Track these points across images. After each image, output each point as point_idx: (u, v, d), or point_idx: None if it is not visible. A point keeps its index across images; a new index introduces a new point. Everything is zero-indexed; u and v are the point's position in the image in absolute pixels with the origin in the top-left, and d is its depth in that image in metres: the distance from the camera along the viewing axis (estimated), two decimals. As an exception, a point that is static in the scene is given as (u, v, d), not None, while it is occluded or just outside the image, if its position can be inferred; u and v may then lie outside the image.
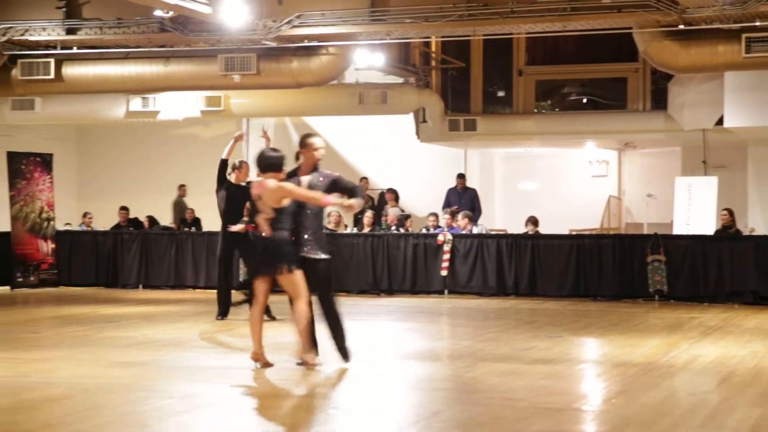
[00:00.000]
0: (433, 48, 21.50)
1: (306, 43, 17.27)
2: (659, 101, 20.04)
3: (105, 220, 19.96)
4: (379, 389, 8.14)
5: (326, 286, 8.82)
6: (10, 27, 17.94)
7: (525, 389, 7.87)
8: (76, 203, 23.24)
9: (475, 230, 16.99)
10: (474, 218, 17.43)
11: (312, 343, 8.89)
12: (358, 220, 18.22)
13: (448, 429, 6.59)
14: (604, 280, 15.60)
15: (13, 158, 18.26)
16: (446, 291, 16.27)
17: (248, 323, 8.92)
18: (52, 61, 18.60)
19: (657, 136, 19.94)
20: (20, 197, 18.08)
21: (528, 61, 21.84)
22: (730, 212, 15.98)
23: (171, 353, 9.89)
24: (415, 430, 6.57)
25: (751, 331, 11.77)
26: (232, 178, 12.72)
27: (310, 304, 8.65)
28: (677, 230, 17.35)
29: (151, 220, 19.78)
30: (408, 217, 17.88)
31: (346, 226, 18.30)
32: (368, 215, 17.45)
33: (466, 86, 21.84)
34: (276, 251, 8.50)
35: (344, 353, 8.84)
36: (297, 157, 9.06)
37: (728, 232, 15.76)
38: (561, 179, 23.29)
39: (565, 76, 22.18)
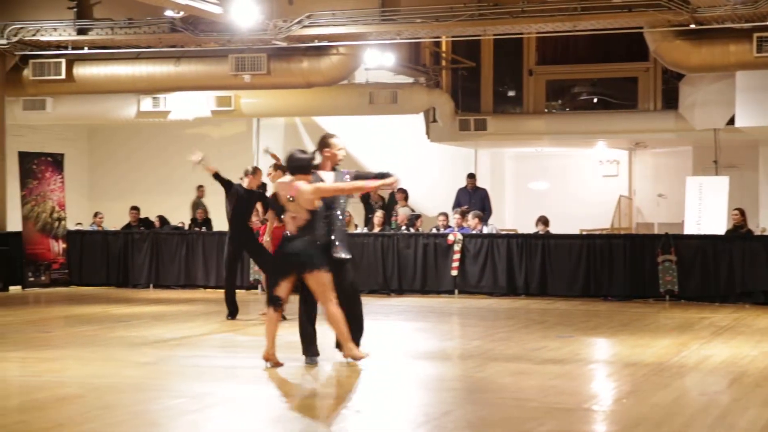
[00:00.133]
0: (444, 48, 21.49)
1: (316, 43, 17.30)
2: (670, 101, 20.00)
3: (116, 220, 20.00)
4: (390, 389, 8.14)
5: (352, 286, 8.96)
6: (22, 27, 18.01)
7: (535, 389, 7.86)
8: (87, 203, 23.31)
9: (486, 230, 16.98)
10: (484, 218, 17.41)
11: (314, 339, 8.93)
12: (368, 220, 18.22)
13: (458, 429, 6.59)
14: (614, 280, 15.57)
15: (25, 158, 18.31)
16: (456, 291, 16.26)
17: (263, 323, 8.91)
18: (63, 61, 18.68)
19: (668, 135, 19.90)
20: (31, 197, 18.12)
21: (538, 61, 21.82)
22: (742, 212, 15.94)
23: (181, 353, 9.91)
24: (425, 429, 6.56)
25: (762, 331, 11.73)
26: (244, 182, 12.71)
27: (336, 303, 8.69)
28: (688, 230, 17.31)
29: (162, 219, 19.82)
30: (418, 216, 17.88)
31: (356, 226, 18.30)
32: (378, 215, 17.45)
33: (476, 86, 21.83)
34: (308, 252, 8.54)
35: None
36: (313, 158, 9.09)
37: (739, 232, 15.71)
38: (571, 179, 23.25)
39: (575, 76, 22.16)
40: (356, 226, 18.37)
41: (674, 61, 16.69)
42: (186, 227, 19.57)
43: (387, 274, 16.54)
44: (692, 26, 15.51)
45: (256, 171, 12.78)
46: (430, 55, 21.30)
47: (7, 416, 6.98)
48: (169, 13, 16.43)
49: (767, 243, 15.22)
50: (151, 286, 17.80)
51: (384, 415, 7.13)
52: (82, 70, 18.96)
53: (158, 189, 22.81)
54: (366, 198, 18.56)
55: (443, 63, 21.73)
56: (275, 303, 8.67)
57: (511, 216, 23.02)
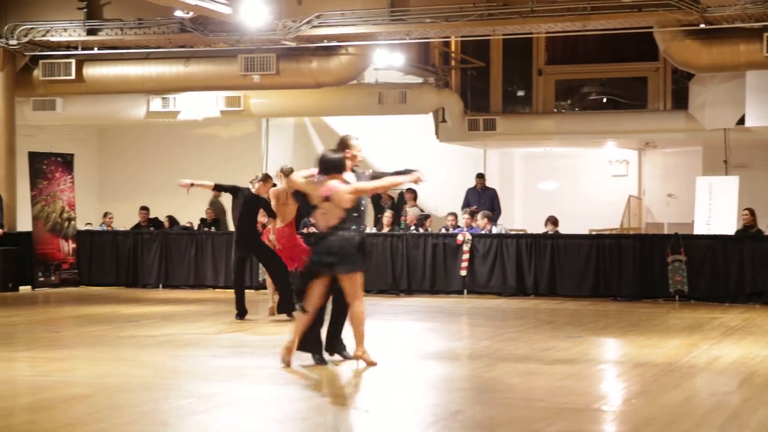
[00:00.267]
0: (453, 48, 21.48)
1: (325, 43, 17.31)
2: (680, 100, 19.96)
3: (125, 220, 20.04)
4: (399, 389, 8.13)
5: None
6: (32, 28, 18.07)
7: (544, 389, 7.84)
8: (97, 203, 23.36)
9: (495, 230, 16.96)
10: (493, 218, 17.40)
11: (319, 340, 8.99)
12: (377, 221, 18.22)
13: (467, 429, 6.58)
14: (624, 280, 15.54)
15: (35, 158, 18.36)
16: (465, 291, 16.25)
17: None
18: (73, 61, 18.73)
19: (678, 135, 19.85)
20: (41, 197, 18.17)
21: (548, 61, 21.78)
22: (752, 212, 15.90)
23: (191, 353, 9.92)
24: (434, 429, 6.56)
25: (773, 331, 11.70)
26: (253, 186, 12.71)
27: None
28: (698, 230, 17.26)
29: (171, 219, 19.85)
30: (427, 217, 17.87)
31: (365, 226, 18.28)
32: (387, 215, 17.46)
33: (485, 86, 21.81)
34: (345, 249, 8.60)
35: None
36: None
37: (749, 232, 15.67)
38: (581, 179, 23.21)
39: (585, 76, 22.11)
40: (365, 226, 18.36)
41: (684, 61, 16.65)
42: (195, 227, 19.59)
43: (396, 275, 16.53)
44: (702, 26, 15.48)
45: (267, 179, 12.79)
46: (439, 55, 21.29)
47: (16, 415, 6.99)
48: (178, 13, 16.47)
49: (777, 243, 15.18)
50: (161, 286, 17.82)
51: (392, 415, 7.12)
52: (91, 71, 19.01)
53: (167, 189, 22.77)
54: (376, 198, 18.56)
55: (452, 63, 21.72)
56: (303, 310, 8.69)
57: (520, 216, 22.99)
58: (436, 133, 21.25)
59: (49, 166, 18.39)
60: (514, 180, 23.74)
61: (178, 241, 17.93)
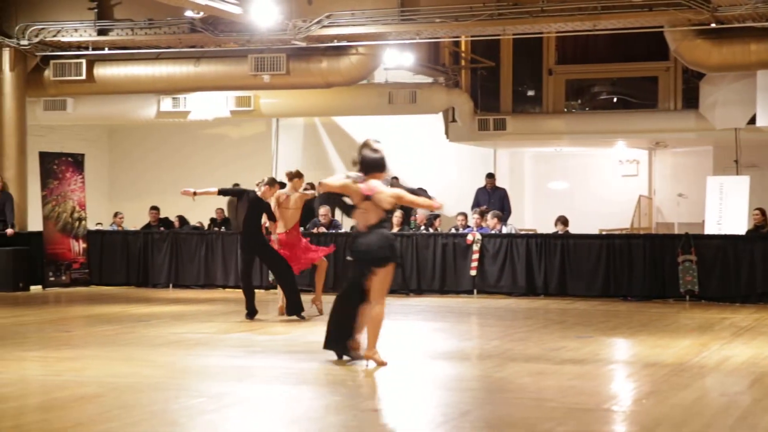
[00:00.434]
0: (463, 47, 21.46)
1: (335, 43, 17.32)
2: (690, 100, 19.91)
3: (136, 220, 20.08)
4: (408, 389, 8.13)
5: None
6: (43, 28, 18.12)
7: (554, 389, 7.83)
8: (108, 203, 23.41)
9: (505, 230, 16.95)
10: (503, 218, 17.38)
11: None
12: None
13: (477, 429, 6.58)
14: (634, 280, 15.52)
15: (46, 158, 18.40)
16: (475, 291, 16.24)
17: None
18: (83, 61, 18.77)
19: (688, 135, 19.81)
20: (52, 197, 18.21)
21: (558, 60, 21.75)
22: (762, 212, 15.87)
23: (201, 352, 9.93)
24: (443, 429, 6.56)
25: (784, 331, 11.67)
26: (259, 189, 12.71)
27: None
28: (708, 230, 17.22)
29: (182, 219, 19.88)
30: (437, 216, 17.86)
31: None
32: (397, 215, 17.44)
33: (495, 85, 21.79)
34: (384, 247, 8.73)
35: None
36: (354, 163, 9.25)
37: (760, 231, 15.63)
38: (591, 179, 23.18)
39: (595, 75, 22.07)
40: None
41: (695, 61, 16.61)
42: (205, 227, 19.62)
43: (406, 274, 16.52)
44: (713, 25, 15.44)
45: (273, 183, 12.78)
46: (449, 54, 21.27)
47: (27, 415, 7.01)
48: (189, 13, 16.50)
49: (788, 243, 15.13)
50: (171, 285, 17.85)
51: (402, 415, 7.13)
52: (102, 71, 19.05)
53: (177, 189, 22.77)
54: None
55: (462, 63, 21.70)
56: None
57: (531, 216, 22.97)
58: (446, 133, 21.24)
59: (59, 166, 18.44)
60: (524, 180, 23.71)
61: (188, 241, 17.95)
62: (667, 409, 7.07)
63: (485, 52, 21.60)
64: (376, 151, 8.91)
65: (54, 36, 18.15)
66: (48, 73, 19.04)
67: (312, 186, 16.85)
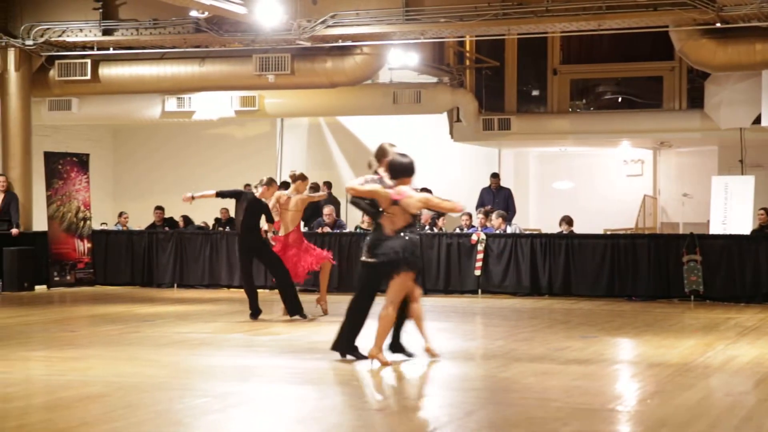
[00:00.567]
0: (468, 47, 21.46)
1: (340, 43, 17.32)
2: (695, 100, 19.90)
3: (140, 220, 20.10)
4: (413, 389, 8.13)
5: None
6: (48, 28, 18.14)
7: (559, 389, 7.83)
8: (112, 203, 23.44)
9: (509, 230, 16.94)
10: (508, 218, 17.38)
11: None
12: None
13: (481, 429, 6.57)
14: (639, 280, 15.51)
15: (50, 158, 18.43)
16: (480, 291, 16.24)
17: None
18: (88, 61, 18.80)
19: (693, 135, 19.80)
20: (57, 197, 18.23)
21: (563, 60, 21.75)
22: (767, 212, 15.83)
23: (205, 352, 9.94)
24: (448, 429, 6.55)
25: (789, 331, 11.65)
26: (257, 190, 12.70)
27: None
28: (713, 230, 17.22)
29: (186, 219, 19.90)
30: (441, 216, 17.85)
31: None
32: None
33: (500, 85, 21.79)
34: (408, 251, 8.83)
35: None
36: (369, 165, 9.41)
37: (765, 231, 15.61)
38: (596, 179, 23.17)
39: (600, 75, 22.07)
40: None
41: (700, 60, 16.59)
42: (210, 227, 19.63)
43: (410, 274, 16.49)
44: (718, 25, 15.43)
45: (271, 182, 12.75)
46: (453, 54, 21.27)
47: (32, 415, 7.02)
48: (193, 13, 16.50)
49: (794, 243, 15.11)
50: (176, 285, 17.87)
51: (407, 414, 7.12)
52: (107, 71, 19.07)
53: (183, 189, 22.78)
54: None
55: (467, 62, 21.70)
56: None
57: (535, 216, 22.96)
58: (451, 132, 21.23)
59: (64, 166, 18.46)
60: (528, 179, 23.71)
61: (192, 241, 17.97)
62: (671, 409, 7.07)
63: (490, 52, 21.60)
64: (404, 156, 9.03)
65: (59, 36, 18.17)
66: (53, 73, 19.07)
67: (318, 187, 16.87)
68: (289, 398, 7.67)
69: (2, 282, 16.90)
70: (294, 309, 12.55)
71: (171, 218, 19.75)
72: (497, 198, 18.69)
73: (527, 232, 17.81)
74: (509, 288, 16.14)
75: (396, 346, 9.31)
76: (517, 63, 21.85)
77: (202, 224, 19.81)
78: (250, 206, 12.59)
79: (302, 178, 13.15)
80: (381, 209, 8.95)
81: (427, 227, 17.46)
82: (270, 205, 12.78)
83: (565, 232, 16.47)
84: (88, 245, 18.42)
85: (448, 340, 11.08)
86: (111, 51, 18.47)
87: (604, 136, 20.70)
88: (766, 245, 15.00)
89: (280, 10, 15.91)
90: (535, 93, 22.38)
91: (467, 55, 21.61)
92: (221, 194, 12.85)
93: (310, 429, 6.63)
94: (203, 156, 23.40)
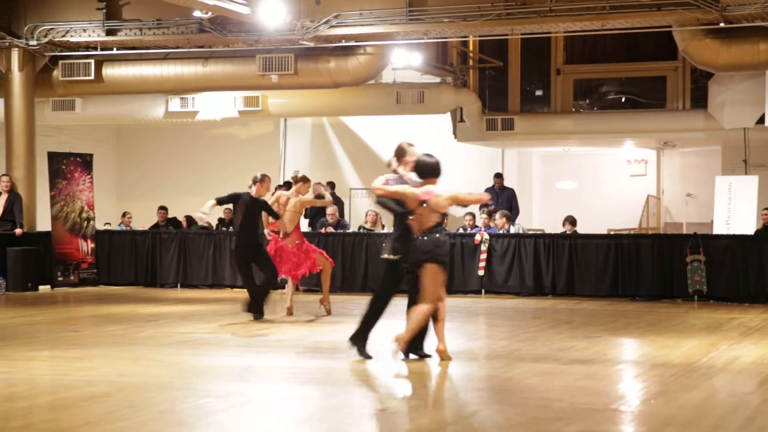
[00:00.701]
0: (471, 47, 21.46)
1: (343, 43, 17.32)
2: (699, 100, 19.87)
3: (144, 220, 20.11)
4: (416, 389, 8.13)
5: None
6: (52, 28, 18.16)
7: (562, 390, 7.83)
8: (116, 203, 23.46)
9: (513, 230, 16.94)
10: (511, 218, 17.37)
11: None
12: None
13: (484, 429, 6.57)
14: (642, 280, 15.50)
15: (54, 158, 18.44)
16: (483, 291, 16.23)
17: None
18: (92, 62, 18.82)
19: (697, 135, 19.78)
20: (61, 197, 18.25)
21: (566, 60, 21.73)
22: (771, 211, 15.83)
23: (209, 352, 9.94)
24: (451, 429, 6.55)
25: (793, 332, 11.64)
26: (252, 189, 12.68)
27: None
28: (717, 230, 17.19)
29: (189, 219, 19.90)
30: (445, 216, 17.82)
31: (383, 226, 18.31)
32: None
33: (503, 85, 21.78)
34: (440, 249, 8.98)
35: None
36: (389, 165, 9.48)
37: (769, 231, 15.59)
38: (599, 179, 23.16)
39: (603, 75, 22.05)
40: (383, 225, 18.38)
41: (703, 60, 16.58)
42: (213, 227, 19.64)
43: (413, 274, 16.49)
44: (722, 25, 15.41)
45: (264, 179, 12.69)
46: (457, 54, 21.27)
47: (36, 414, 7.03)
48: (197, 13, 16.52)
49: (797, 243, 15.09)
50: (179, 285, 17.88)
51: (410, 414, 7.12)
52: (110, 71, 19.09)
53: (186, 189, 22.91)
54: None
55: (470, 62, 21.70)
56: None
57: (538, 216, 22.95)
58: (454, 132, 21.23)
59: (68, 166, 18.47)
60: (532, 180, 23.70)
61: (196, 241, 17.98)
62: (675, 409, 7.06)
63: (493, 52, 21.60)
64: (430, 156, 9.10)
65: (63, 36, 18.19)
66: (57, 73, 19.08)
67: (323, 196, 16.86)
68: (292, 398, 7.67)
69: (6, 282, 16.92)
70: (254, 308, 12.43)
71: (174, 218, 19.77)
72: (501, 198, 18.69)
73: (530, 232, 17.81)
74: (512, 288, 16.13)
75: (414, 346, 9.24)
76: (520, 63, 21.83)
77: (206, 224, 19.80)
78: (250, 206, 12.55)
79: (304, 180, 13.15)
80: (407, 210, 8.98)
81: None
82: (270, 203, 12.79)
83: (568, 232, 16.46)
84: (91, 245, 18.43)
85: (451, 340, 11.04)
86: (114, 51, 18.49)
87: (607, 136, 20.69)
88: (769, 245, 14.99)
89: (284, 10, 15.92)
90: (538, 93, 22.36)
91: (470, 55, 21.60)
92: (219, 201, 12.77)
93: (314, 429, 6.64)
94: (206, 156, 23.42)
